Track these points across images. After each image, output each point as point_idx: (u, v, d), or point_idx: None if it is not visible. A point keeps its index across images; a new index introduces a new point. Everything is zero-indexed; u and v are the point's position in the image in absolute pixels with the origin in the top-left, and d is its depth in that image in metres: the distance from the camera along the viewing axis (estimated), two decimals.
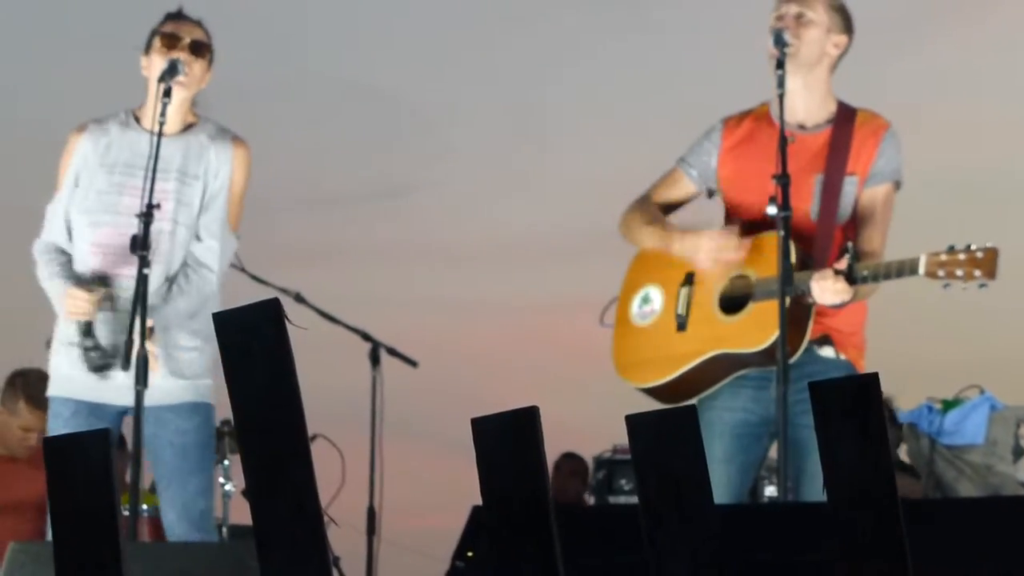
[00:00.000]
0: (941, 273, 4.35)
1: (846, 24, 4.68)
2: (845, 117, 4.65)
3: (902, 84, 9.56)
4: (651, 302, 4.73)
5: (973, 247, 4.34)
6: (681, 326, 4.64)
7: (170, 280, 4.68)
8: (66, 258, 4.76)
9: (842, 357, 4.59)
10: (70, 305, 4.63)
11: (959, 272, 4.34)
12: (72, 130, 4.84)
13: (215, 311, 5.09)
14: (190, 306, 4.69)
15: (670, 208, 4.82)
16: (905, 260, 4.39)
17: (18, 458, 6.55)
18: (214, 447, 4.84)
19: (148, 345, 4.51)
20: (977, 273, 4.34)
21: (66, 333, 4.73)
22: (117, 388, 4.57)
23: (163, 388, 4.63)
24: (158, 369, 4.60)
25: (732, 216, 4.72)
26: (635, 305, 4.75)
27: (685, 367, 4.59)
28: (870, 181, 4.61)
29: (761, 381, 4.55)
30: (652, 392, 4.69)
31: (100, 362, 4.64)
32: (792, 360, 4.39)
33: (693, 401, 4.66)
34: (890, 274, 4.40)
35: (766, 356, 4.47)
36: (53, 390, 4.75)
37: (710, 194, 4.79)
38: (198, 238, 4.73)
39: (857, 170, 4.60)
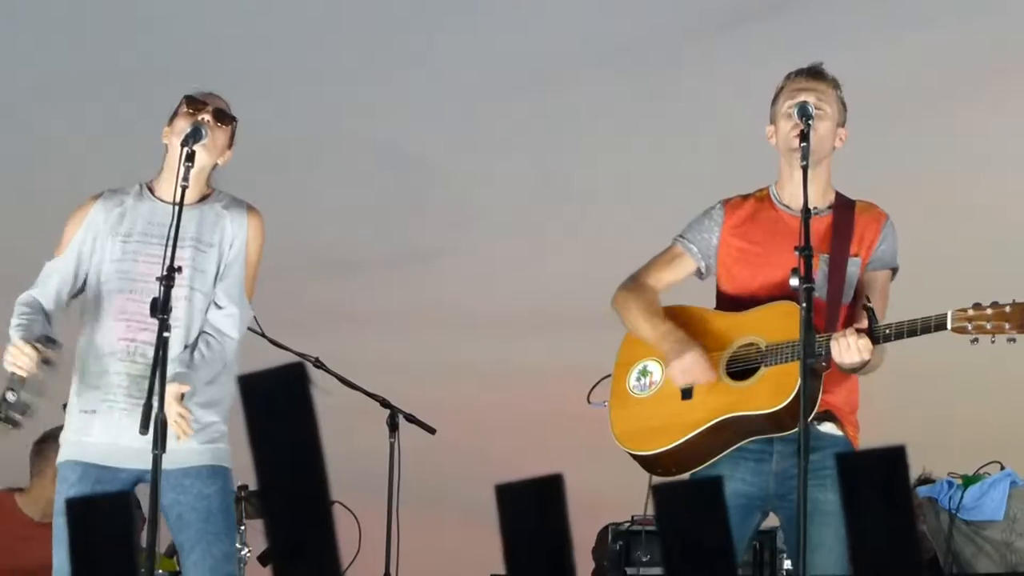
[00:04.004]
0: (969, 327, 4.30)
1: (846, 117, 4.71)
2: (845, 204, 4.71)
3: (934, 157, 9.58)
4: (650, 374, 4.72)
5: (1001, 302, 4.30)
6: (687, 395, 4.62)
7: (190, 348, 4.68)
8: (39, 316, 4.72)
9: (842, 434, 4.57)
10: (9, 353, 4.55)
11: (988, 326, 4.29)
12: (89, 196, 4.88)
13: (234, 376, 5.07)
14: (210, 374, 4.69)
15: (666, 287, 4.82)
16: (931, 316, 4.34)
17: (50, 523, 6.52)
18: (234, 512, 4.82)
19: (180, 408, 4.51)
20: (1007, 326, 4.29)
21: (75, 399, 4.73)
22: (130, 452, 4.52)
23: (183, 452, 4.61)
24: (186, 433, 4.58)
25: (725, 292, 4.74)
26: (632, 378, 4.75)
27: (694, 432, 4.56)
28: (872, 264, 4.66)
29: (761, 454, 4.54)
30: (653, 459, 4.65)
31: (5, 416, 4.52)
32: (793, 434, 4.37)
33: (687, 474, 4.65)
34: (915, 331, 4.36)
35: (775, 422, 4.45)
36: (61, 456, 4.73)
37: (707, 272, 4.80)
38: (217, 305, 4.74)
39: (860, 253, 4.65)
